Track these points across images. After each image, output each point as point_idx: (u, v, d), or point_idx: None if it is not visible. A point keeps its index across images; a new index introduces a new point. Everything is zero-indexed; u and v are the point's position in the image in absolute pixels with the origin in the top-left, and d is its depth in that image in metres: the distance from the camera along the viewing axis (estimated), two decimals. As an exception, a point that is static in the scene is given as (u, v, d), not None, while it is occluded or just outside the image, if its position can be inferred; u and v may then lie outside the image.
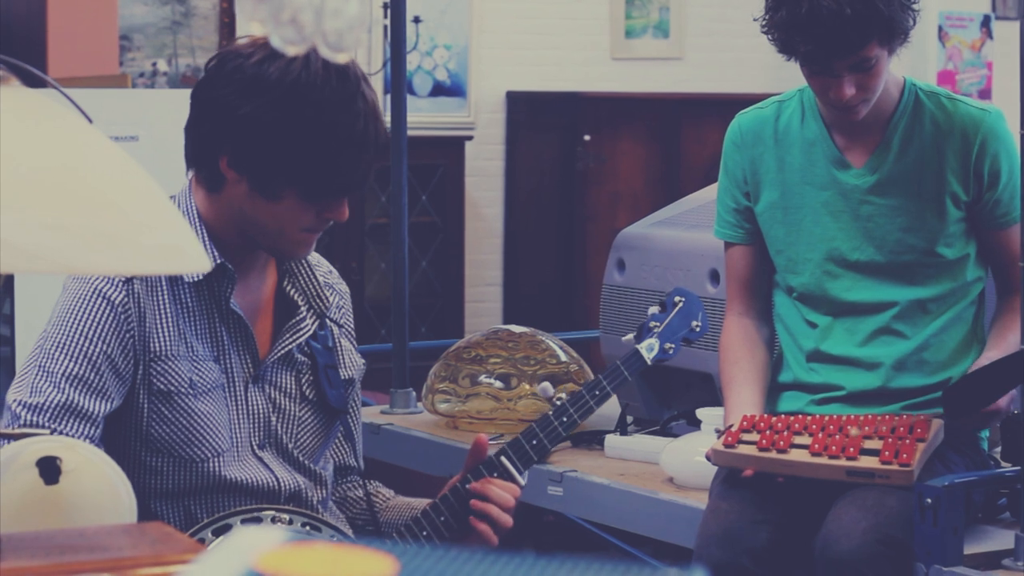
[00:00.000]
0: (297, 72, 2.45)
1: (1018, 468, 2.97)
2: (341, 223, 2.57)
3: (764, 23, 3.09)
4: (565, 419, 2.85)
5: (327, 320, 2.72)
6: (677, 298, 3.05)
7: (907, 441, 2.99)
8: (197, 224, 2.56)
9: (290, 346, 2.64)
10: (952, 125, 3.18)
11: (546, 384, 3.50)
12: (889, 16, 3.01)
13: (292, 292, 2.67)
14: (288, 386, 2.65)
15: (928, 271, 3.19)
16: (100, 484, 1.93)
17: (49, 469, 1.89)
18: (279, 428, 2.64)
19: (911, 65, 8.33)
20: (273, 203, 2.51)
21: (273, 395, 2.64)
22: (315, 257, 2.75)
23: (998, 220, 3.18)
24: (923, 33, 8.68)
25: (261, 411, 2.62)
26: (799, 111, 3.28)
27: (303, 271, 2.68)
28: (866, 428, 3.04)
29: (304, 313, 2.66)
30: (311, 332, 2.67)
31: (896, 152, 3.20)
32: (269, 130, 2.46)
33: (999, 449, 3.38)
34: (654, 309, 3.05)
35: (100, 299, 2.51)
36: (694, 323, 3.03)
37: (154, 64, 7.30)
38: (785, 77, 3.32)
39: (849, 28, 2.98)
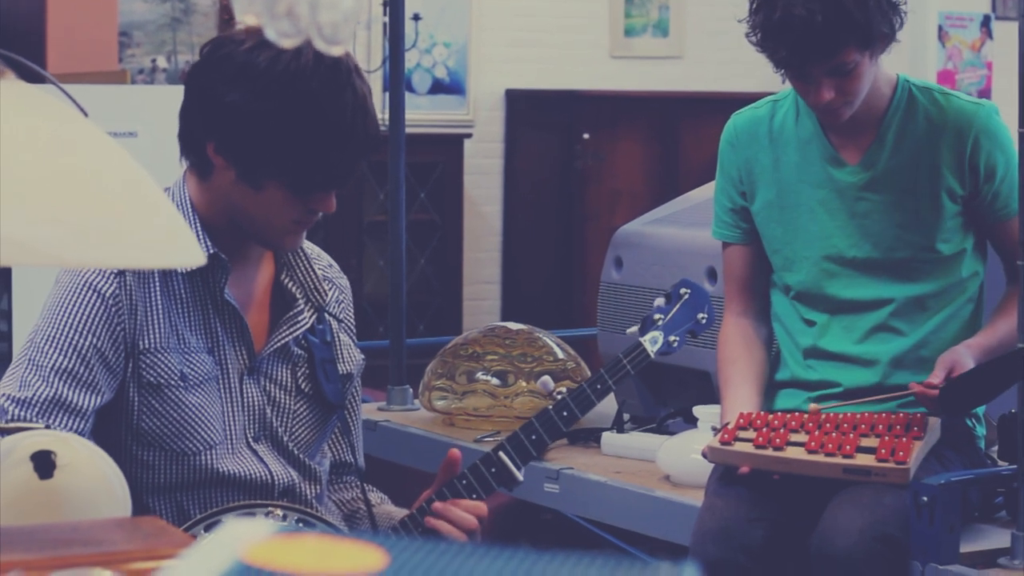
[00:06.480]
0: (286, 62, 2.43)
1: (1015, 467, 2.96)
2: (331, 214, 2.55)
3: (747, 26, 3.09)
4: (566, 413, 2.82)
5: (326, 314, 2.70)
6: (683, 290, 3.01)
7: (903, 439, 2.99)
8: (190, 214, 2.54)
9: (286, 339, 2.62)
10: (946, 120, 3.18)
11: (546, 378, 3.45)
12: (865, 22, 2.99)
13: (289, 284, 2.65)
14: (284, 379, 2.63)
15: (925, 267, 3.19)
16: (95, 478, 1.93)
17: (44, 463, 1.89)
18: (274, 421, 2.62)
19: (911, 65, 8.33)
20: (259, 192, 2.50)
21: (268, 388, 2.62)
22: (314, 250, 2.73)
23: (999, 213, 3.18)
24: (923, 33, 8.68)
25: (256, 403, 2.60)
26: (793, 109, 3.27)
27: (301, 263, 2.66)
28: (824, 407, 3.06)
29: (301, 306, 2.64)
30: (308, 325, 2.65)
31: (890, 148, 3.19)
32: (255, 119, 2.45)
33: (996, 448, 3.38)
34: (659, 301, 3.02)
35: (91, 292, 2.49)
36: (700, 315, 3.00)
37: (153, 61, 7.29)
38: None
39: (821, 35, 2.97)
